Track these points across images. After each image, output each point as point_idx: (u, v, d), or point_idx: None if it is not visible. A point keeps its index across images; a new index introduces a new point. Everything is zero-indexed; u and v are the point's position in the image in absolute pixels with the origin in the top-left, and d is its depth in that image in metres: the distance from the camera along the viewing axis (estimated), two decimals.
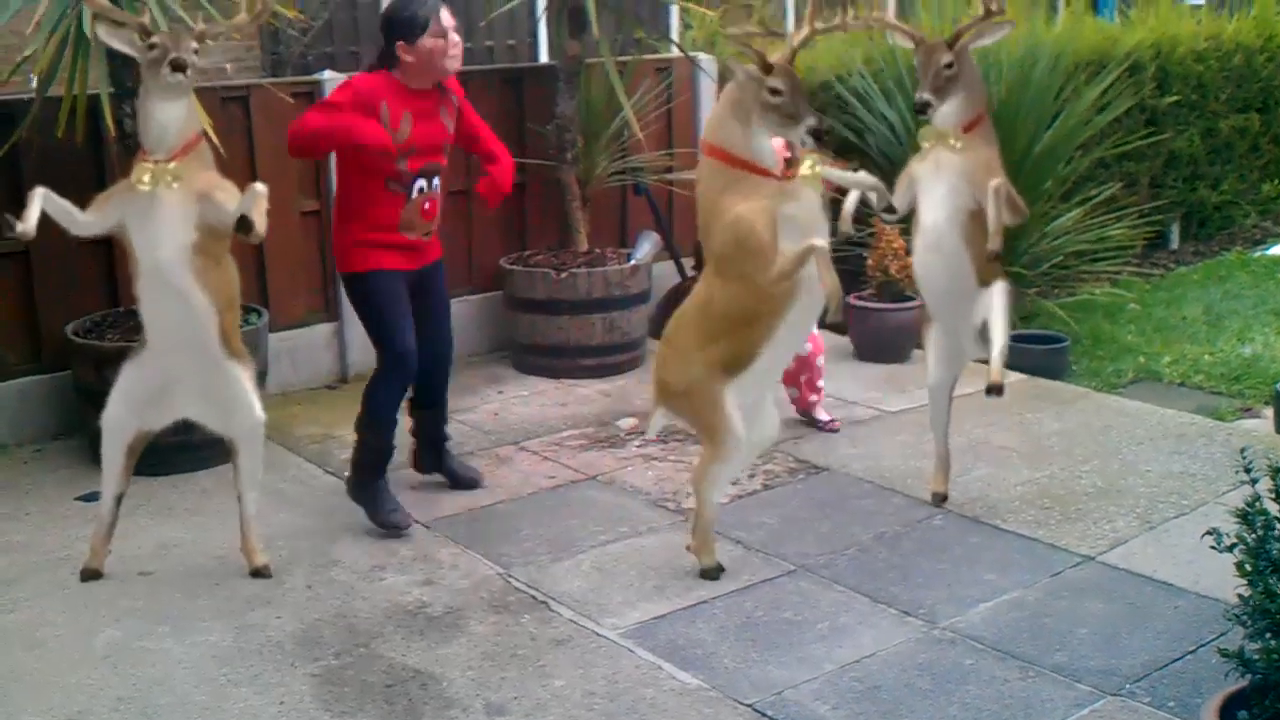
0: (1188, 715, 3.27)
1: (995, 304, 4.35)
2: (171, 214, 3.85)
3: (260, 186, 3.85)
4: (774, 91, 3.76)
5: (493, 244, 6.67)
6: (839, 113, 7.37)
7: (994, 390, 4.26)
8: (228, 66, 7.47)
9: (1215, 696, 2.95)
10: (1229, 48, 9.34)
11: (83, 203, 3.92)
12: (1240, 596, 2.91)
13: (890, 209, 4.25)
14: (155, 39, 3.83)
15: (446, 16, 4.43)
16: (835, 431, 5.46)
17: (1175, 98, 8.85)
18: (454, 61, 4.48)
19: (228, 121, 5.67)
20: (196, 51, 3.86)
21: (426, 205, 4.55)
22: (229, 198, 3.87)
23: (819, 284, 3.78)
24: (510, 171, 4.76)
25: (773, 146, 3.90)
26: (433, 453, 4.95)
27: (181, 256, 3.87)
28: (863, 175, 4.17)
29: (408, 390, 4.67)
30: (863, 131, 7.29)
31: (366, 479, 4.59)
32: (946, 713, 3.35)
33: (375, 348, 4.58)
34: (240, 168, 5.83)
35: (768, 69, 3.78)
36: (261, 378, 5.37)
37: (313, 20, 7.73)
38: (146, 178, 3.82)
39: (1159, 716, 3.30)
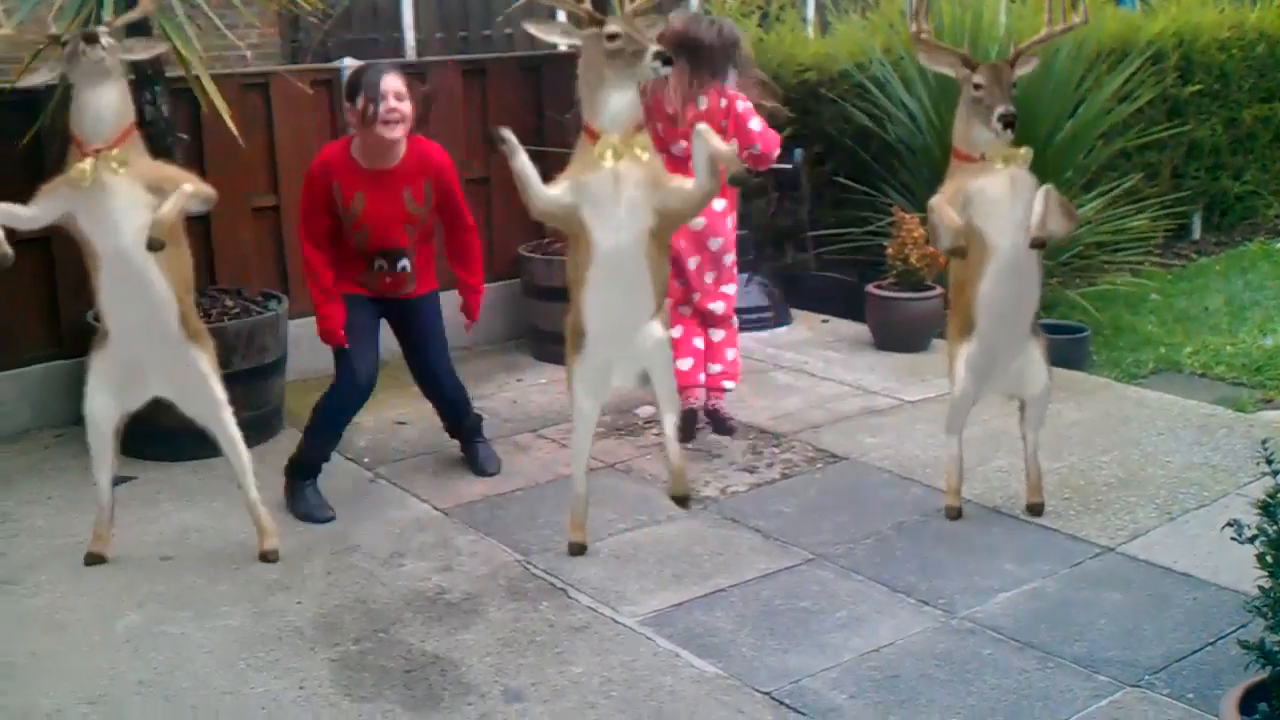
0: (1207, 707, 3.26)
1: (1037, 389, 4.39)
2: (127, 199, 3.85)
3: (188, 188, 3.89)
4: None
5: (511, 232, 6.66)
6: (858, 101, 7.35)
7: (1035, 510, 4.46)
8: (248, 54, 7.48)
9: (1235, 688, 2.94)
10: (1252, 37, 9.28)
11: None
12: (1261, 588, 2.89)
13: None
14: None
15: (391, 81, 4.38)
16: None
17: (1197, 87, 8.80)
18: (389, 129, 4.38)
19: (248, 109, 5.69)
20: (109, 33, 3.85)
21: (388, 280, 4.62)
22: (171, 189, 3.90)
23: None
24: (478, 297, 4.79)
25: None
26: (462, 444, 5.09)
27: (142, 240, 3.85)
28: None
29: (356, 411, 4.68)
30: (882, 120, 7.27)
31: (297, 479, 4.63)
32: (965, 702, 3.35)
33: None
34: (260, 155, 5.86)
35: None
36: (281, 364, 5.43)
37: (332, 7, 7.74)
38: (87, 168, 3.80)
39: (1178, 708, 3.29)
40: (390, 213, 4.51)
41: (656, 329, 4.12)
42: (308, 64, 7.24)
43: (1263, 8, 9.59)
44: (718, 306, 5.20)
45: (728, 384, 5.25)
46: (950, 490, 4.49)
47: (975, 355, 4.31)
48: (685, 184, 3.90)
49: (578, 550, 4.23)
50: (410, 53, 6.91)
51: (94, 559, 4.22)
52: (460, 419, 5.02)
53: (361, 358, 4.55)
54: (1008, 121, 3.96)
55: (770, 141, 5.02)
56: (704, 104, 4.95)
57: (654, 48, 3.76)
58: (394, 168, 4.49)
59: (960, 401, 4.40)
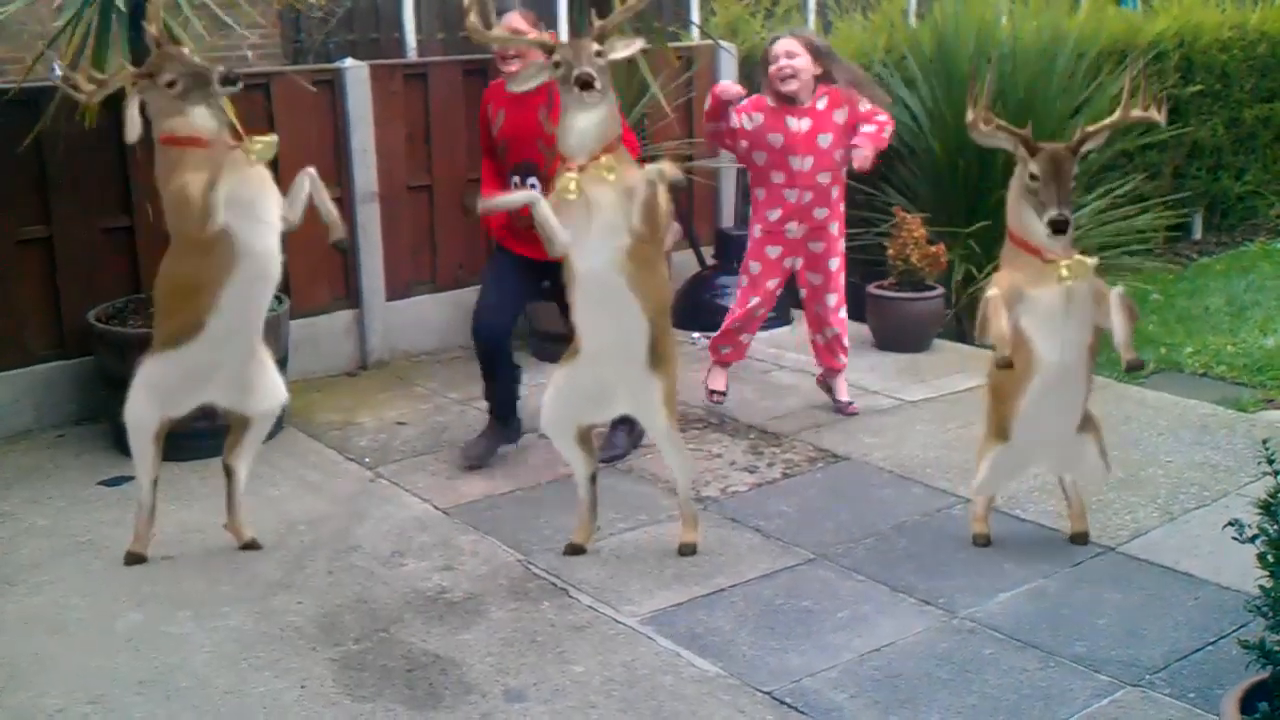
0: (1208, 706, 3.26)
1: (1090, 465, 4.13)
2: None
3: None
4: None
5: None
6: None
7: (1079, 539, 4.25)
8: (249, 54, 7.48)
9: (1236, 688, 2.94)
10: (1253, 37, 9.29)
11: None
12: (1261, 588, 2.90)
13: None
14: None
15: (508, 19, 4.73)
16: (853, 414, 5.49)
17: (1199, 87, 8.80)
18: (503, 64, 4.80)
19: (249, 109, 5.67)
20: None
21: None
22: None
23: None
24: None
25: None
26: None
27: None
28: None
29: (482, 357, 4.96)
30: None
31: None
32: (965, 702, 3.35)
33: None
34: None
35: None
36: (282, 364, 5.41)
37: (333, 9, 7.75)
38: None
39: (1179, 707, 3.29)
40: (526, 122, 4.78)
41: (661, 419, 4.10)
42: (309, 64, 7.24)
43: (1264, 8, 9.59)
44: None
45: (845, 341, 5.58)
46: (977, 517, 4.32)
47: (1004, 461, 4.10)
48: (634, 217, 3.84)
49: (573, 551, 4.24)
50: (411, 53, 6.91)
51: (133, 559, 4.21)
52: None
53: (481, 308, 4.89)
54: (1058, 228, 3.68)
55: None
56: (823, 104, 5.28)
57: (577, 70, 3.71)
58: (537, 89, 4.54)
59: (980, 493, 4.26)
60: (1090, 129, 3.85)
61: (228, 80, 3.91)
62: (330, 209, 4.18)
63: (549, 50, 3.86)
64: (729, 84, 5.30)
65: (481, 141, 5.15)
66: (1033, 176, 3.74)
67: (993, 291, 3.81)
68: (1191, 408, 5.53)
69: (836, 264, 5.45)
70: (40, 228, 5.45)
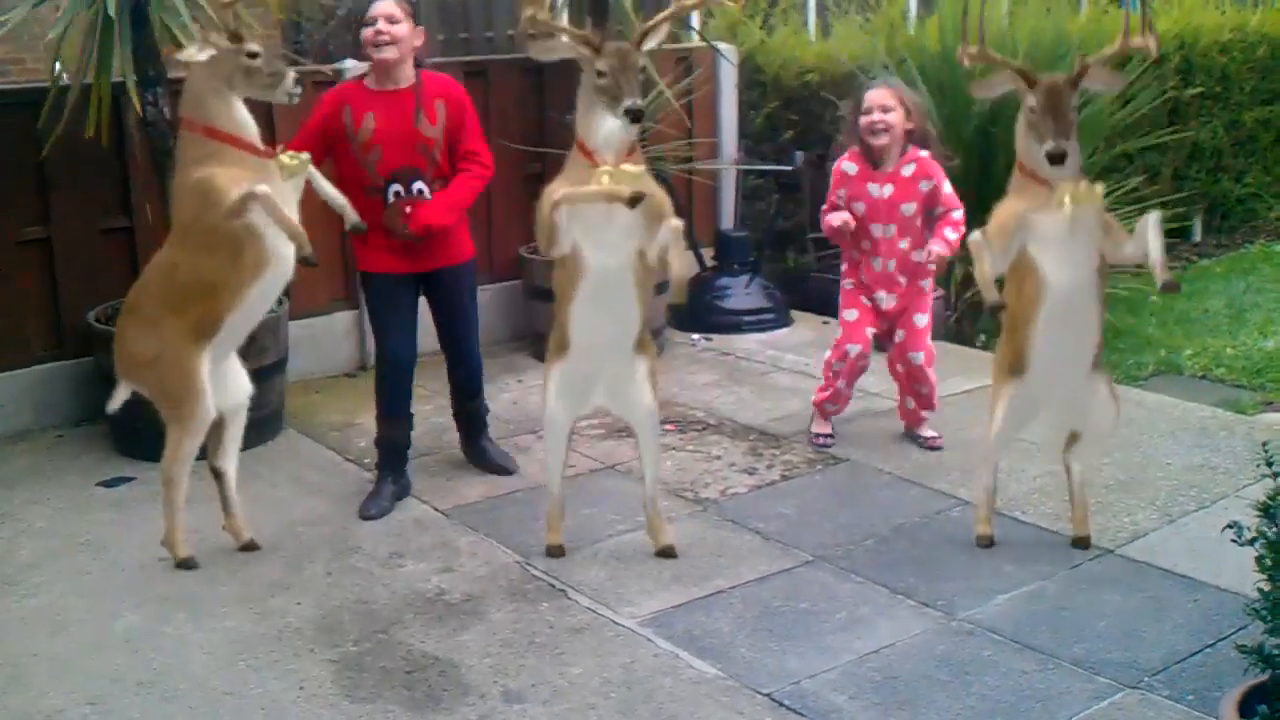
0: (1207, 709, 3.26)
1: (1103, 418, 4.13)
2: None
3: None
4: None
5: (512, 233, 6.67)
6: None
7: (1081, 543, 4.21)
8: None
9: (1234, 690, 2.94)
10: (1253, 39, 9.29)
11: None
12: (1260, 591, 2.90)
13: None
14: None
15: (381, 5, 4.47)
16: (938, 449, 5.17)
17: (1199, 90, 8.80)
18: (379, 50, 4.48)
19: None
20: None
21: (407, 209, 4.56)
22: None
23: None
24: (440, 210, 4.57)
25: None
26: (467, 441, 5.10)
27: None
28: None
29: (399, 387, 4.73)
30: None
31: (379, 466, 4.77)
32: (964, 704, 3.35)
33: None
34: None
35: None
36: (281, 365, 5.44)
37: (335, 8, 7.75)
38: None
39: (1178, 710, 3.29)
40: (401, 130, 4.51)
41: (647, 394, 4.09)
42: (309, 65, 7.23)
43: (1264, 10, 9.59)
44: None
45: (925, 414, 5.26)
46: (980, 519, 4.31)
47: (1019, 400, 4.06)
48: (661, 240, 3.83)
49: (556, 553, 4.23)
50: None
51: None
52: (468, 399, 5.04)
53: (389, 333, 4.70)
54: (1055, 159, 3.68)
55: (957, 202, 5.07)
56: (909, 170, 5.04)
57: (627, 103, 3.67)
58: (403, 89, 4.54)
59: (997, 442, 4.18)
60: (1090, 60, 3.80)
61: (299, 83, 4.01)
62: (337, 198, 4.25)
63: (595, 48, 3.76)
64: (846, 220, 5.05)
65: (310, 129, 4.63)
66: (1031, 110, 3.75)
67: (975, 235, 3.87)
68: (1191, 410, 5.53)
69: (923, 335, 5.19)
70: (39, 228, 5.46)
